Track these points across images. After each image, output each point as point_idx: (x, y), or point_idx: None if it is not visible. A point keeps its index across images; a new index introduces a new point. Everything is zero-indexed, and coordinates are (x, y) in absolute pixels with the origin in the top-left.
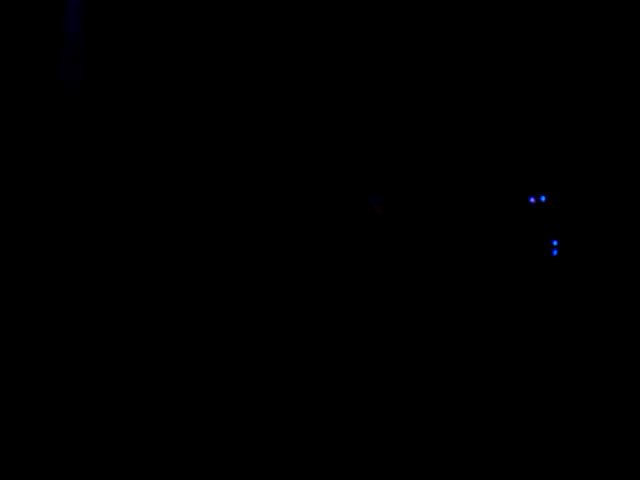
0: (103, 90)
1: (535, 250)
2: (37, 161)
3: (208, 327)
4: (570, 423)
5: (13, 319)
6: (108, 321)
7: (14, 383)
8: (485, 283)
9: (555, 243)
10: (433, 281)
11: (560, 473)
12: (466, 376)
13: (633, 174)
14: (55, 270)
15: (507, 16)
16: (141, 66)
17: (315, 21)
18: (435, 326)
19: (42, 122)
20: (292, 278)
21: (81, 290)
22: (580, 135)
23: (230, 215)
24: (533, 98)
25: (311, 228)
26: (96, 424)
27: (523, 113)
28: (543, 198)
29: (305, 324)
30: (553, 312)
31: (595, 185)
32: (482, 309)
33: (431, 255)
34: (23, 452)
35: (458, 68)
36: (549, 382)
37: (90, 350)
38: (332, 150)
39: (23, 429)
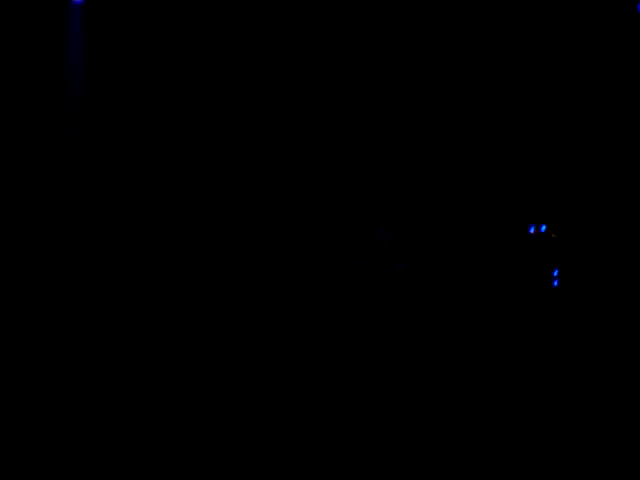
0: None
1: (536, 281)
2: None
3: (202, 325)
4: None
5: (14, 320)
6: (107, 321)
7: (14, 383)
8: (485, 314)
9: (556, 274)
10: (435, 311)
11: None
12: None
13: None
14: (55, 266)
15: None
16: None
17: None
18: (433, 355)
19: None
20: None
21: (83, 288)
22: (580, 163)
23: (230, 218)
24: (534, 127)
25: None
26: (96, 423)
27: (522, 143)
28: (544, 228)
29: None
30: (555, 346)
31: (596, 212)
32: (482, 342)
33: (432, 286)
34: (23, 452)
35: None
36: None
37: (89, 349)
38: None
39: (23, 429)
